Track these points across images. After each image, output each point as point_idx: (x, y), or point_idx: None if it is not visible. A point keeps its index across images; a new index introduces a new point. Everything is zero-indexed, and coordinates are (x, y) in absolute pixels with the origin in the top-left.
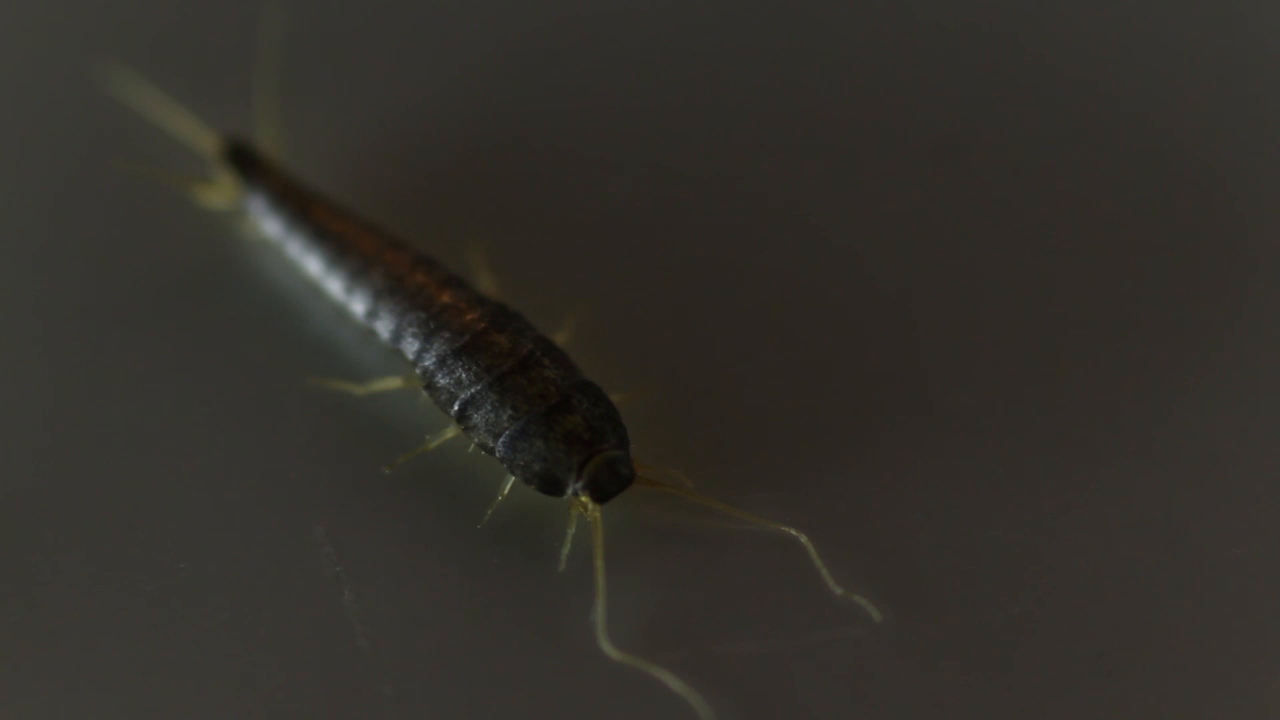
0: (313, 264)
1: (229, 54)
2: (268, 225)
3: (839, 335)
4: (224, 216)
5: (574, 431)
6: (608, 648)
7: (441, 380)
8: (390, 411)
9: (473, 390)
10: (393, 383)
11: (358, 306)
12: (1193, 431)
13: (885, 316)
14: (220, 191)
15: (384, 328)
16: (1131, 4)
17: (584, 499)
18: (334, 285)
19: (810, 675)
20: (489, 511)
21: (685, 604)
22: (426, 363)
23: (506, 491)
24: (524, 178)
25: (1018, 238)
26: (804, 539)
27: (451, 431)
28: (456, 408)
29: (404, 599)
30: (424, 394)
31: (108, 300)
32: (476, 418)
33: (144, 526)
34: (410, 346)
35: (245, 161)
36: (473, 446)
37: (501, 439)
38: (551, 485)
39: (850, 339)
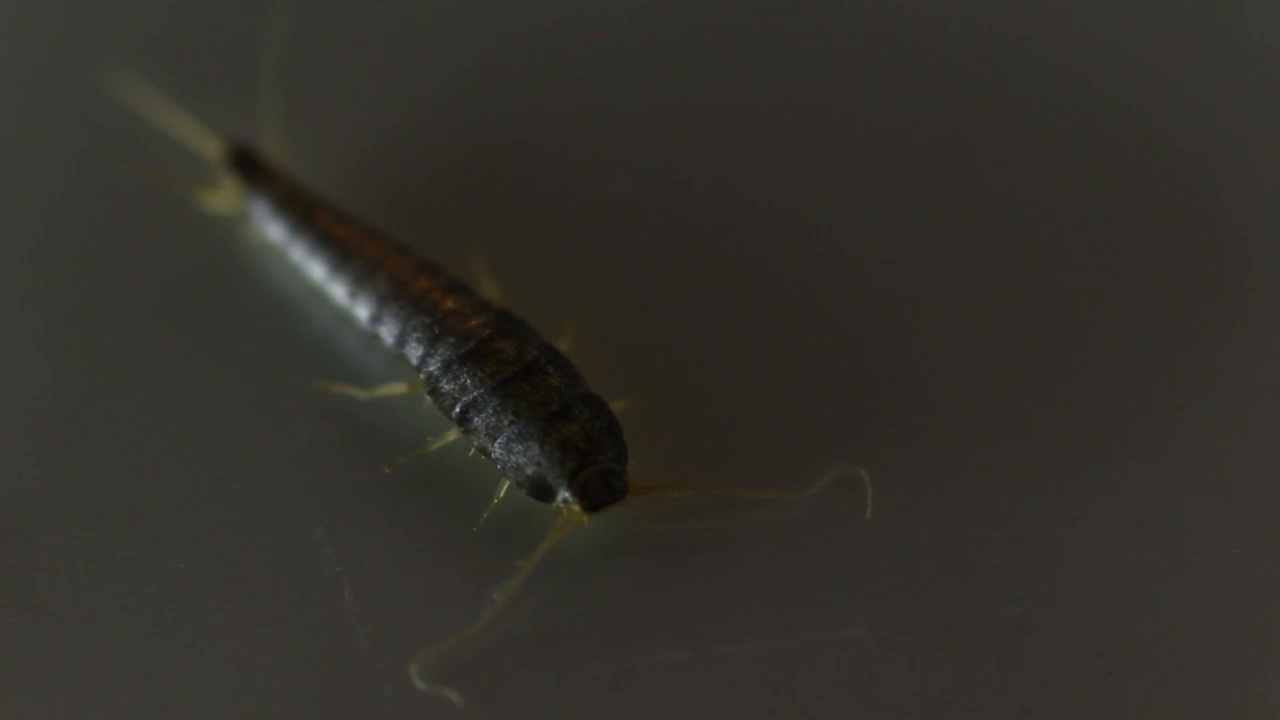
0: (316, 269)
1: (232, 58)
2: (271, 230)
3: (839, 335)
4: (227, 221)
5: (570, 440)
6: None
7: (445, 386)
8: (390, 413)
9: (475, 394)
10: (397, 388)
11: (361, 312)
12: (1193, 432)
13: (886, 316)
14: (224, 196)
15: (388, 333)
16: (1133, 4)
17: (574, 508)
18: (338, 290)
19: (810, 675)
20: (485, 514)
21: (685, 604)
22: (431, 368)
23: (502, 495)
24: (527, 181)
25: (1019, 238)
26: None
27: (453, 435)
28: (458, 410)
29: (404, 599)
30: (427, 399)
31: (109, 302)
32: (477, 421)
33: (144, 527)
34: (414, 352)
35: (248, 166)
36: (473, 450)
37: (498, 441)
38: (541, 491)
39: (851, 339)
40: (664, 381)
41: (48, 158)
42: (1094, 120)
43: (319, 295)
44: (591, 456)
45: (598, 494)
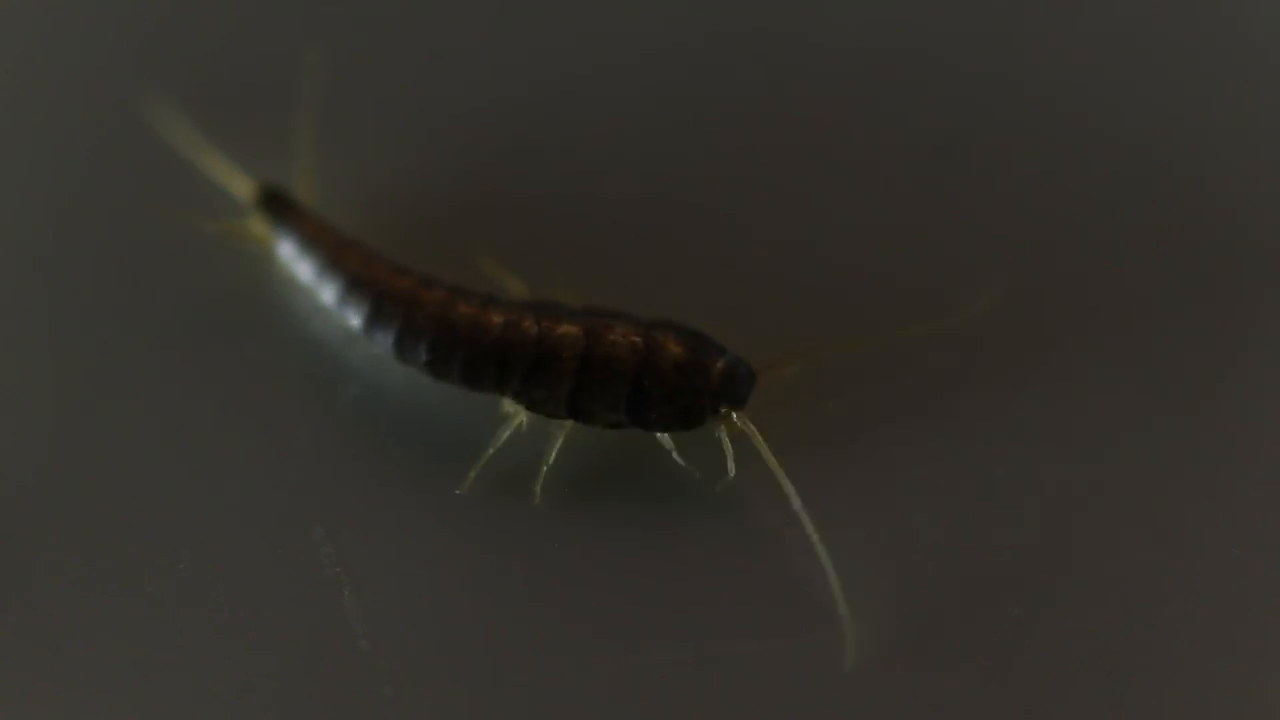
0: (354, 319)
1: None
2: (299, 272)
3: (838, 334)
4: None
5: (680, 361)
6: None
7: (539, 394)
8: (390, 412)
9: (570, 385)
10: (506, 419)
11: (421, 358)
12: (1193, 432)
13: (884, 316)
14: (251, 234)
15: (458, 374)
16: (1132, 7)
17: (728, 412)
18: (383, 339)
19: (810, 675)
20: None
21: (685, 603)
22: (515, 387)
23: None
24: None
25: (1017, 238)
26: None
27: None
28: (566, 408)
29: (404, 599)
30: (525, 414)
31: (109, 304)
32: (595, 406)
33: (144, 527)
34: (490, 382)
35: (279, 209)
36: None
37: (623, 409)
38: (694, 415)
39: (849, 337)
40: None
41: (50, 165)
42: (1094, 120)
43: (360, 342)
44: (707, 361)
45: (740, 384)
